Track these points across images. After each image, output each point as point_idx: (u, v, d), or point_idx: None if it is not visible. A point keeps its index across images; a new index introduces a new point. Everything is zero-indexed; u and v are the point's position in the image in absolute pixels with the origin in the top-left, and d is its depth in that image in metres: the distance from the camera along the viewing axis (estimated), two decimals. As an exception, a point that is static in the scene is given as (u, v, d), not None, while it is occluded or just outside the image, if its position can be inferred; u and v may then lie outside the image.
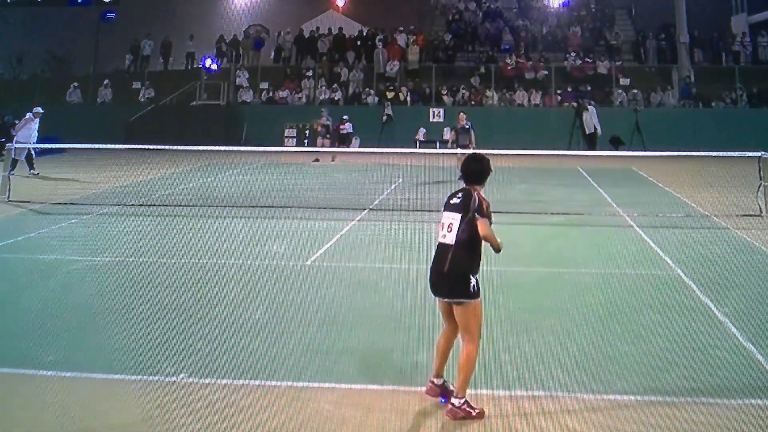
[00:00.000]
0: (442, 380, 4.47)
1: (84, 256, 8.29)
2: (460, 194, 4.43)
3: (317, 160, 18.93)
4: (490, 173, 4.56)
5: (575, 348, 5.29)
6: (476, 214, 4.27)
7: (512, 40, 26.91)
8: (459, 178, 4.61)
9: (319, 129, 19.69)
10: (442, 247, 4.36)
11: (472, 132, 14.85)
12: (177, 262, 7.98)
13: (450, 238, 4.31)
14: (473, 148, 13.66)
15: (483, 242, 4.32)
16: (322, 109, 20.36)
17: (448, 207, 4.43)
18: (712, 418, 4.21)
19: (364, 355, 5.22)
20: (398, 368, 4.95)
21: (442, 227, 4.38)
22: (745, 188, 11.55)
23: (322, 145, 18.83)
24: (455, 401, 4.21)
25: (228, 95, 25.27)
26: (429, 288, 4.43)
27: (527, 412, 4.29)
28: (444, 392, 4.42)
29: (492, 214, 4.37)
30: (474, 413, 4.18)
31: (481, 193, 4.43)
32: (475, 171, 4.49)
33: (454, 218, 4.33)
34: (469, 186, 4.46)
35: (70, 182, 14.94)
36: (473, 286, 4.25)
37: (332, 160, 18.97)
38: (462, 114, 15.52)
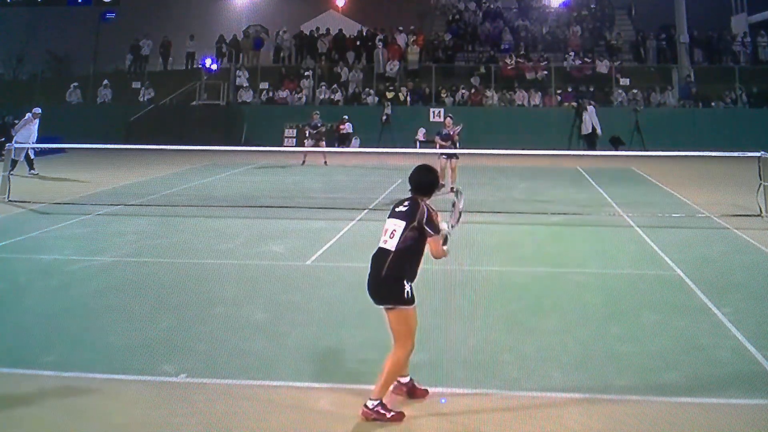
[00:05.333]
0: (407, 378, 4.47)
1: (84, 256, 8.29)
2: (406, 203, 4.36)
3: (304, 162, 18.77)
4: (437, 189, 4.47)
5: (575, 348, 5.30)
6: (427, 229, 4.21)
7: (512, 40, 26.91)
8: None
9: (307, 131, 19.39)
10: (380, 252, 4.30)
11: (456, 137, 13.88)
12: (177, 262, 7.97)
13: (391, 245, 4.24)
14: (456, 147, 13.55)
15: (425, 252, 4.27)
16: (315, 112, 20.05)
17: (394, 214, 4.35)
18: (712, 418, 4.20)
19: (363, 355, 5.21)
20: (398, 368, 4.94)
21: (385, 233, 4.30)
22: (745, 188, 11.55)
23: (313, 146, 18.69)
24: (369, 403, 4.15)
25: (228, 95, 25.28)
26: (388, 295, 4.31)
27: (527, 412, 4.29)
28: (411, 390, 4.44)
29: (440, 221, 4.32)
30: (388, 416, 4.12)
31: (428, 203, 4.35)
32: (426, 182, 4.43)
33: (398, 225, 4.26)
34: (415, 196, 4.39)
35: (70, 182, 14.94)
36: (407, 292, 4.21)
37: (324, 163, 18.76)
38: (448, 119, 14.25)
